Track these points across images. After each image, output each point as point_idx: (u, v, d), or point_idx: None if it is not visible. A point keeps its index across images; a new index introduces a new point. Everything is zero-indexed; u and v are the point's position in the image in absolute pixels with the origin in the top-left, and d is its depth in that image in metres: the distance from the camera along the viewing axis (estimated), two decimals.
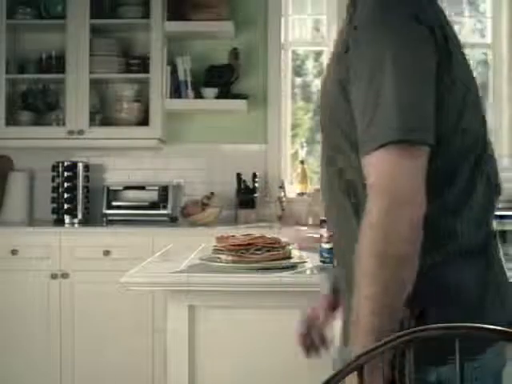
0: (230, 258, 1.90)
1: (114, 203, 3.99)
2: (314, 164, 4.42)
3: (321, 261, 1.98)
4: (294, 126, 4.45)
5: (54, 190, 3.97)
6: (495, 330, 1.05)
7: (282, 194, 4.13)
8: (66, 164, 3.97)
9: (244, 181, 4.05)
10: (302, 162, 4.27)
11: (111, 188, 4.03)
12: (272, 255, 1.91)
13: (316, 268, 1.95)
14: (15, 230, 3.73)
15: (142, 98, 4.06)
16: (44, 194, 4.09)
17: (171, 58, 4.06)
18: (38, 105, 4.10)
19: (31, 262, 3.60)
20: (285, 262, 1.93)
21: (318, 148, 4.42)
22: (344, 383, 1.02)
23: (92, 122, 3.96)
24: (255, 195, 4.06)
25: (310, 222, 3.90)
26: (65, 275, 3.59)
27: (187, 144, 4.22)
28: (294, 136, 4.43)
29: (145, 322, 3.58)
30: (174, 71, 4.03)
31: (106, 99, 4.17)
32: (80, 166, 4.00)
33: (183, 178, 4.20)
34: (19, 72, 4.04)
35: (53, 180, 3.99)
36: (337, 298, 1.45)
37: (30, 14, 4.00)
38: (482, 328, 1.05)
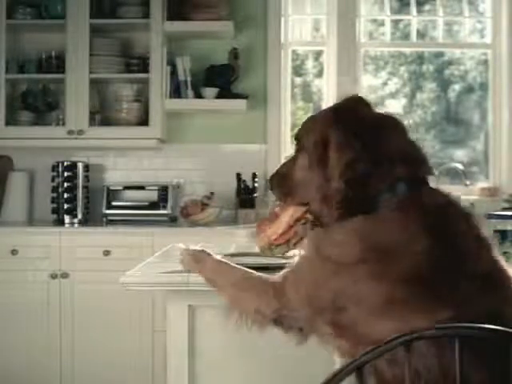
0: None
1: (114, 203, 3.99)
2: None
3: None
4: (294, 126, 4.45)
5: (54, 189, 3.97)
6: (495, 330, 1.05)
7: None
8: (65, 164, 3.97)
9: (244, 181, 4.05)
10: None
11: (111, 188, 4.03)
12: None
13: None
14: (15, 230, 3.73)
15: (142, 98, 4.06)
16: (44, 194, 4.09)
17: (171, 57, 4.06)
18: (38, 105, 4.10)
19: (31, 262, 3.60)
20: (285, 262, 1.92)
21: None
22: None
23: (92, 121, 3.96)
24: (255, 195, 4.06)
25: None
26: (65, 275, 3.59)
27: (187, 144, 4.22)
28: (293, 136, 4.42)
29: (145, 321, 3.58)
30: (173, 71, 4.03)
31: (106, 99, 4.17)
32: (80, 165, 4.00)
33: (183, 178, 4.20)
34: (19, 72, 4.04)
35: (53, 180, 3.99)
36: None
37: (30, 13, 4.00)
38: (483, 328, 1.05)
